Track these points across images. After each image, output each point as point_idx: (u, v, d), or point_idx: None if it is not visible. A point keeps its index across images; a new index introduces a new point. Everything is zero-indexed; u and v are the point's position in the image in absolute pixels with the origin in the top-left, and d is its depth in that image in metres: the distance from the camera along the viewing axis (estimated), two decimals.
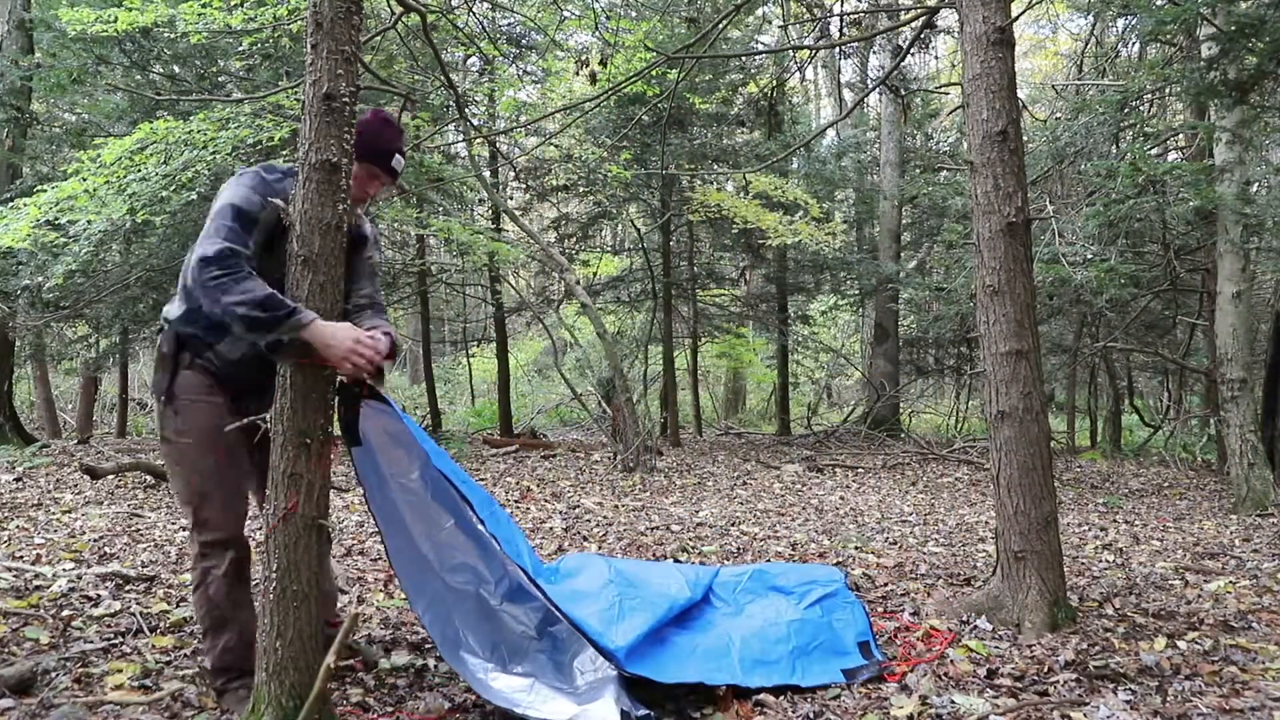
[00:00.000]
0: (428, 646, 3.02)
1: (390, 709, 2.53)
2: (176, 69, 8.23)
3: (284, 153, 6.93)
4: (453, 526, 2.69)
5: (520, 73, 10.29)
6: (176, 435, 2.49)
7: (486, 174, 11.22)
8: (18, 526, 4.93)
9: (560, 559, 3.51)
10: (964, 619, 3.35)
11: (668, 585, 3.09)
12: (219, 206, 2.35)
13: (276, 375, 2.27)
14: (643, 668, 2.55)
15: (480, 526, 2.61)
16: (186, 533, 2.49)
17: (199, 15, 6.27)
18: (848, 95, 16.42)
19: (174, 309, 2.50)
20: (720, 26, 5.58)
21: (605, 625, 2.66)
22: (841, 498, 7.03)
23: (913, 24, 5.43)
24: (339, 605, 3.13)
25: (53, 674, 2.66)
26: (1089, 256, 7.18)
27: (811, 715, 2.54)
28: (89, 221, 6.16)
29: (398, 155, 2.56)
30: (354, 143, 2.41)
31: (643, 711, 2.46)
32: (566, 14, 7.72)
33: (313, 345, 2.19)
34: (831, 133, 15.20)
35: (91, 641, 2.98)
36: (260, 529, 4.06)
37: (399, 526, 2.62)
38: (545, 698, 2.51)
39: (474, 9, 7.99)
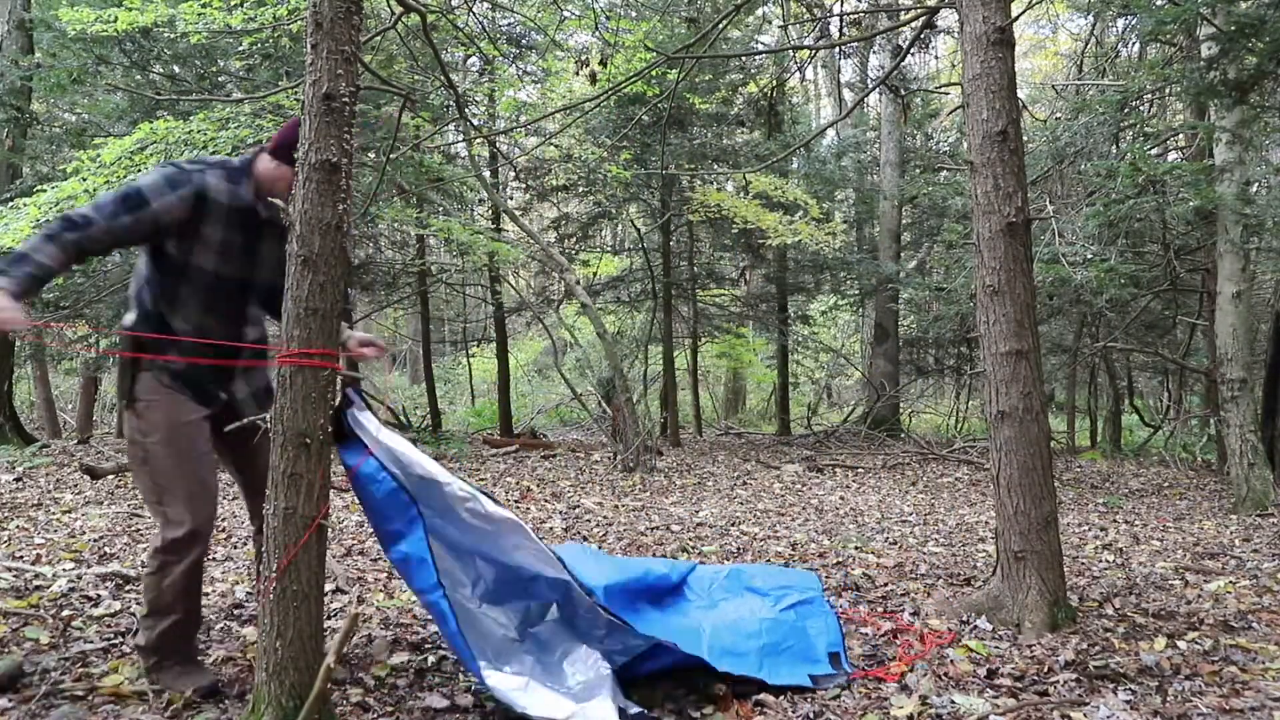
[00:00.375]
0: (428, 646, 3.03)
1: (390, 709, 2.53)
2: (176, 69, 8.24)
3: None
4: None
5: (520, 73, 10.29)
6: (141, 436, 2.55)
7: (486, 174, 11.22)
8: (18, 526, 4.93)
9: None
10: (964, 619, 3.35)
11: (644, 565, 3.20)
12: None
13: (237, 376, 2.44)
14: (620, 610, 2.60)
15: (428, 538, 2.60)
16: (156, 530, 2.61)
17: (199, 15, 6.28)
18: (848, 95, 16.42)
19: (129, 318, 2.63)
20: (720, 26, 5.58)
21: (582, 575, 2.69)
22: (841, 498, 7.03)
23: (913, 24, 5.43)
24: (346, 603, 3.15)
25: (52, 673, 2.67)
26: (1089, 256, 7.18)
27: (812, 715, 2.54)
28: None
29: None
30: (284, 142, 2.58)
31: (636, 710, 2.46)
32: (566, 14, 7.72)
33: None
34: (831, 133, 15.20)
35: (91, 641, 2.98)
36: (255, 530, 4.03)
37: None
38: (542, 697, 2.51)
39: (474, 9, 7.99)
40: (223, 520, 5.23)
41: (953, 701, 2.57)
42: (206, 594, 3.61)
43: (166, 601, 2.54)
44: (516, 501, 6.45)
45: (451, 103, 8.35)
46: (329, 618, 3.24)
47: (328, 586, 3.45)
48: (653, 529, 5.44)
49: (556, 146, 10.66)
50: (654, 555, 4.65)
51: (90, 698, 2.51)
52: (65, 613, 3.27)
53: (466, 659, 2.50)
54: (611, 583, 2.68)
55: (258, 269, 2.71)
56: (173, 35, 7.15)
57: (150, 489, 2.56)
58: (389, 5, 5.44)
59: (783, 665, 2.81)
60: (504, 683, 2.54)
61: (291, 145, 2.55)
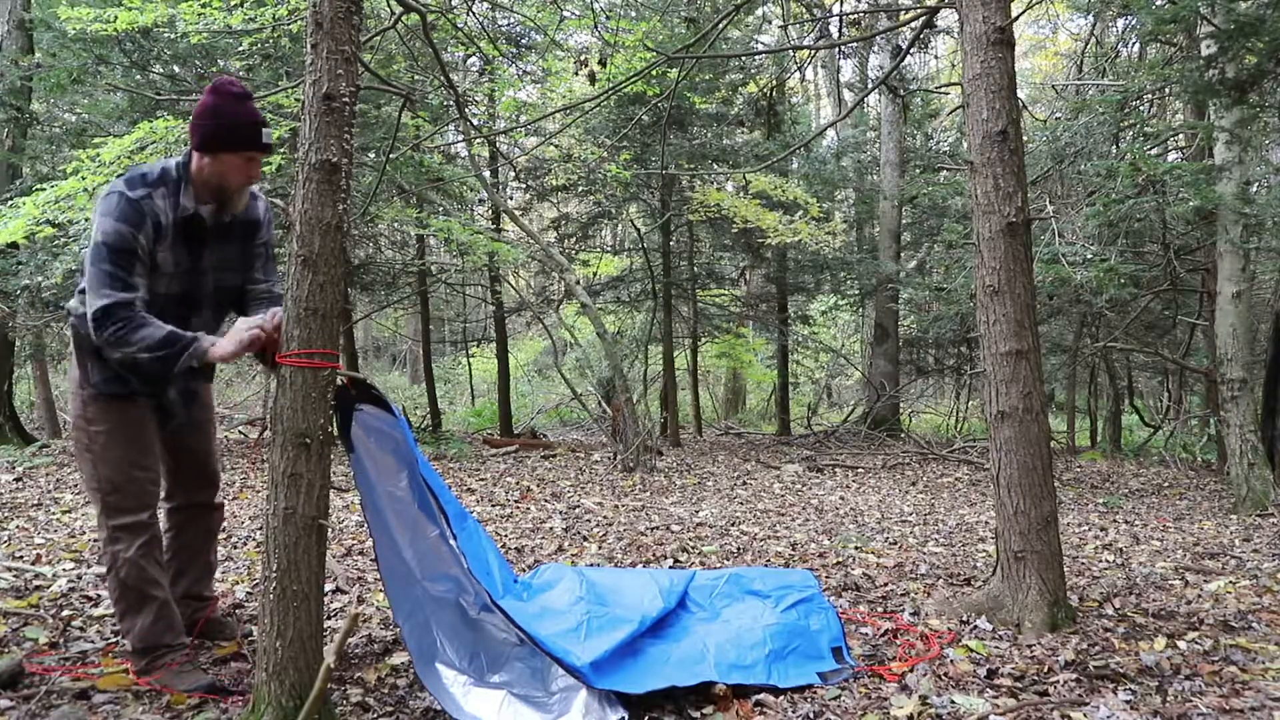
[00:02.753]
0: None
1: (390, 709, 2.53)
2: (176, 69, 8.23)
3: (282, 151, 6.93)
4: (437, 536, 2.68)
5: (520, 73, 10.28)
6: (87, 423, 2.56)
7: (486, 174, 11.21)
8: (18, 526, 4.93)
9: (534, 571, 3.50)
10: (964, 619, 3.35)
11: (640, 598, 3.08)
12: (93, 246, 2.43)
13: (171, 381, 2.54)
14: (613, 681, 2.55)
15: (452, 541, 2.62)
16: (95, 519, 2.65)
17: (199, 15, 6.27)
18: (848, 95, 16.42)
19: (76, 304, 2.58)
20: (720, 26, 5.58)
21: (572, 643, 2.66)
22: (841, 498, 7.03)
23: (913, 24, 5.43)
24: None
25: (53, 673, 2.66)
26: (1089, 256, 7.18)
27: (811, 715, 2.54)
28: (86, 220, 6.17)
29: (264, 129, 2.51)
30: (211, 134, 2.46)
31: (620, 715, 2.46)
32: (566, 14, 7.71)
33: (221, 360, 2.41)
34: (831, 133, 15.20)
35: (92, 641, 2.98)
36: (260, 529, 4.06)
37: (385, 534, 2.63)
38: (517, 713, 2.50)
39: (474, 9, 7.98)
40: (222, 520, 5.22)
41: (953, 701, 2.57)
42: None
43: (135, 597, 2.55)
44: (516, 501, 6.45)
45: (451, 103, 8.34)
46: (329, 618, 3.24)
47: (328, 586, 3.46)
48: (653, 529, 5.44)
49: (556, 146, 10.65)
50: (654, 555, 4.64)
51: (90, 697, 2.51)
52: (65, 613, 3.27)
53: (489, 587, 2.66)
54: (600, 656, 2.59)
55: (202, 280, 2.64)
56: (173, 35, 7.15)
57: (92, 477, 2.57)
58: (389, 5, 5.45)
59: (790, 668, 2.81)
60: (479, 702, 2.52)
61: (211, 133, 2.47)
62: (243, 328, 2.42)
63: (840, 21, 9.74)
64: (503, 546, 4.78)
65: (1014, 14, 3.51)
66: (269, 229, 2.81)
